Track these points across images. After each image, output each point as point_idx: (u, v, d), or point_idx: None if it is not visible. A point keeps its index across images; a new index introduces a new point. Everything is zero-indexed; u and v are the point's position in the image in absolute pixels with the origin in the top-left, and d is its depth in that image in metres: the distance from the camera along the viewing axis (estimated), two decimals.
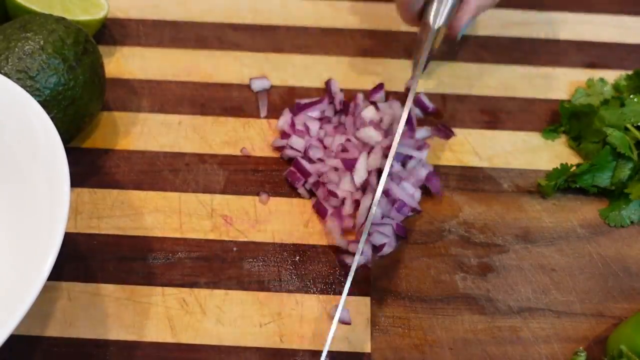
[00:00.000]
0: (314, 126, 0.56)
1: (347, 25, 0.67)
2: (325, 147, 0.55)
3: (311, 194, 0.54)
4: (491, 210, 0.54)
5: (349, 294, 0.49)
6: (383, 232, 0.50)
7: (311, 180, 0.53)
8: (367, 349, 0.46)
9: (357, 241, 0.50)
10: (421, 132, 0.58)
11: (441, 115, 0.60)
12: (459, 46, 0.61)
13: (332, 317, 0.47)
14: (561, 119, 0.59)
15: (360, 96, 0.59)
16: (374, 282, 0.50)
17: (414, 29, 0.67)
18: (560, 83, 0.62)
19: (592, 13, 0.68)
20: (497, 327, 0.48)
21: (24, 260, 0.42)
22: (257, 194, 0.54)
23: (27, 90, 0.49)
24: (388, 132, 0.56)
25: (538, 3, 0.69)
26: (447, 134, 0.58)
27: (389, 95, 0.60)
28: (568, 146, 0.58)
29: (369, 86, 0.61)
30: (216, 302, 0.48)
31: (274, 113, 0.59)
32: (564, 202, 0.54)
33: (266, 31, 0.66)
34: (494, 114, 0.60)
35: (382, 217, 0.52)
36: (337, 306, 0.47)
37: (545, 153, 0.58)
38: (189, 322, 0.47)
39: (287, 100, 0.60)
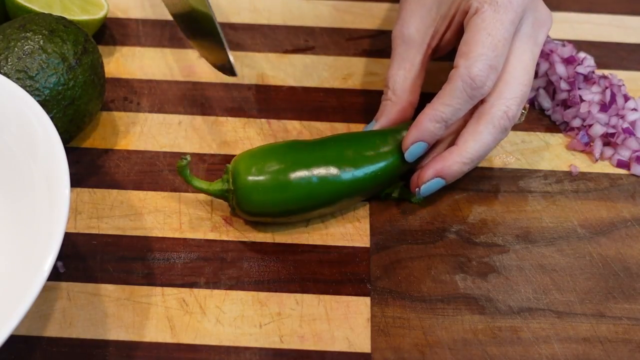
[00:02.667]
0: None
1: (347, 25, 0.67)
2: None
3: None
4: (491, 210, 0.54)
5: (349, 294, 0.49)
6: None
7: None
8: (367, 349, 0.46)
9: None
10: None
11: None
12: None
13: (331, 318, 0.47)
14: None
15: None
16: (374, 282, 0.49)
17: None
18: None
19: (592, 13, 0.68)
20: (497, 327, 0.48)
21: (23, 261, 0.42)
22: None
23: (26, 90, 0.49)
24: None
25: None
26: None
27: None
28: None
29: (369, 86, 0.61)
30: (216, 302, 0.48)
31: (274, 113, 0.59)
32: (564, 202, 0.54)
33: (266, 31, 0.66)
34: None
35: None
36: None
37: (545, 153, 0.57)
38: (188, 322, 0.47)
39: (287, 100, 0.60)
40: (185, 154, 0.56)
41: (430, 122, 0.50)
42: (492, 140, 0.51)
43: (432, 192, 0.52)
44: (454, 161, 0.50)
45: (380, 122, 0.54)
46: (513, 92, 0.50)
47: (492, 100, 0.50)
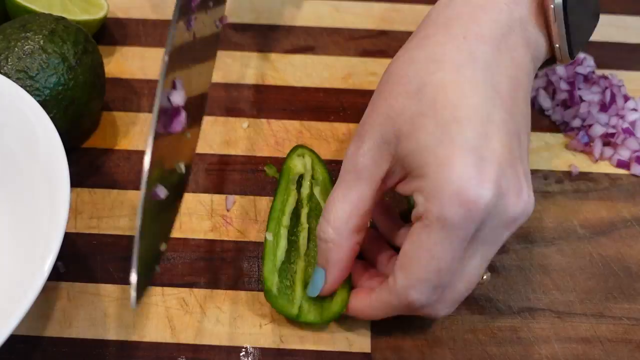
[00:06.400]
0: None
1: (347, 25, 0.67)
2: None
3: None
4: None
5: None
6: None
7: None
8: (367, 349, 0.46)
9: None
10: None
11: None
12: None
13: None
14: None
15: None
16: None
17: (414, 28, 0.67)
18: None
19: None
20: (497, 327, 0.48)
21: (24, 260, 0.42)
22: (257, 194, 0.54)
23: (26, 90, 0.49)
24: None
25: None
26: None
27: None
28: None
29: (369, 86, 0.61)
30: (216, 302, 0.48)
31: (273, 113, 0.59)
32: (564, 202, 0.54)
33: (266, 31, 0.66)
34: None
35: None
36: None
37: (545, 153, 0.57)
38: (188, 322, 0.47)
39: (287, 100, 0.60)
40: None
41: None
42: (381, 311, 0.44)
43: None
44: (354, 307, 0.45)
45: (331, 275, 0.45)
46: (424, 283, 0.41)
47: (400, 281, 0.42)
